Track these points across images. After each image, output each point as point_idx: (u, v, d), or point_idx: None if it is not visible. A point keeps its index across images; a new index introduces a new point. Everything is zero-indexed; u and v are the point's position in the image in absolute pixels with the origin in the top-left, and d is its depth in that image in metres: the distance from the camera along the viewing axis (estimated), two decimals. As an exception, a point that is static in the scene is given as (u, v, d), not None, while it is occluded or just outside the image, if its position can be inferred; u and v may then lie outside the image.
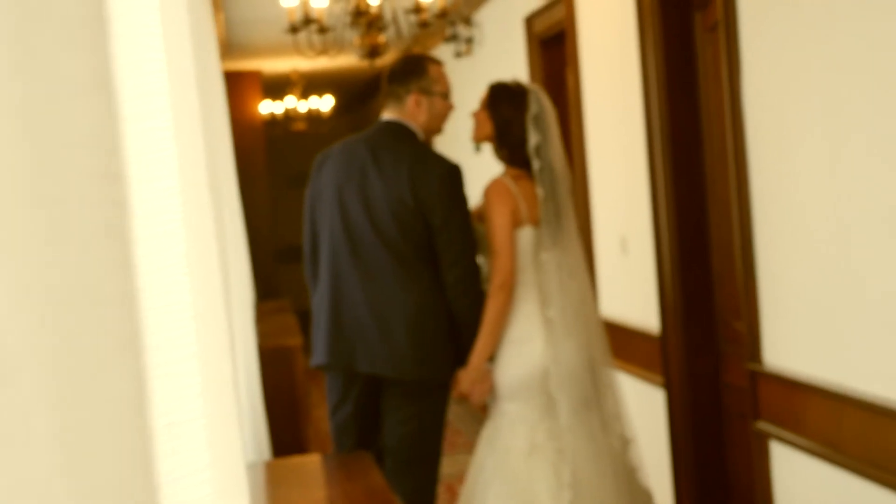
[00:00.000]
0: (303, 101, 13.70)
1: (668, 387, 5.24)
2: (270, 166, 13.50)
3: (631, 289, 5.73)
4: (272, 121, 13.80)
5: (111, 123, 0.88)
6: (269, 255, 12.46)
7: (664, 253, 5.17)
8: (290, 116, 13.74)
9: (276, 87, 13.39)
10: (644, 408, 5.60)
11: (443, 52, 9.99)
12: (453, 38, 8.93)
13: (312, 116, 13.95)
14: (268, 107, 13.42)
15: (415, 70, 4.45)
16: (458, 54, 9.02)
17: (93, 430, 0.83)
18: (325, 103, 13.84)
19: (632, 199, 5.57)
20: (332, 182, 4.41)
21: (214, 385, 1.23)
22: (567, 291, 4.38)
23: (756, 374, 4.25)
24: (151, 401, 1.00)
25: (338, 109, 15.03)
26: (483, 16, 8.61)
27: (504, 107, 4.41)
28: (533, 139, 4.36)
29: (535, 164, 4.37)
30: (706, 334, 5.09)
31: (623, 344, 5.82)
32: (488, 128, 4.43)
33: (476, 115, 4.48)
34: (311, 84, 13.55)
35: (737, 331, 4.77)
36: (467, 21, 8.77)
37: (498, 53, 8.21)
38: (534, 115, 4.38)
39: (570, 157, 6.61)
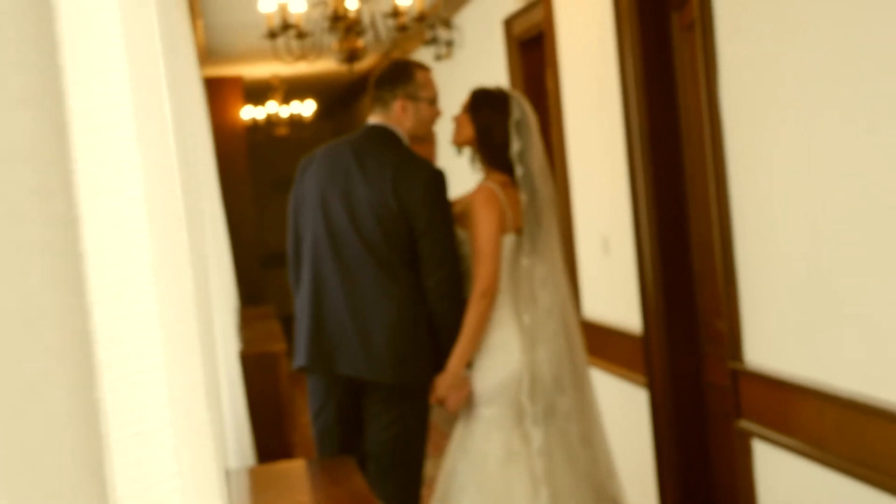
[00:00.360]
0: (284, 105, 13.70)
1: (651, 386, 5.26)
2: (253, 172, 13.51)
3: (613, 289, 5.74)
4: (254, 126, 13.80)
5: (49, 138, 0.88)
6: (254, 260, 12.46)
7: (645, 253, 5.18)
8: (272, 121, 13.73)
9: (257, 92, 13.39)
10: (627, 408, 5.62)
11: (423, 55, 9.99)
12: (433, 41, 8.93)
13: (294, 121, 13.95)
14: (249, 112, 13.41)
15: (402, 76, 4.46)
16: (439, 57, 9.02)
17: (34, 443, 0.83)
18: (306, 108, 13.83)
19: (612, 200, 5.58)
20: (316, 185, 4.42)
21: (184, 394, 1.23)
22: (542, 298, 4.40)
23: (738, 372, 4.27)
24: (108, 411, 1.00)
25: (320, 114, 15.04)
26: (462, 18, 8.62)
27: (486, 111, 4.43)
28: (515, 145, 4.39)
29: (519, 171, 4.39)
30: (688, 334, 5.10)
31: (606, 344, 5.83)
32: (469, 131, 4.45)
33: (457, 119, 4.50)
34: (292, 89, 13.55)
35: (718, 330, 4.79)
36: (447, 24, 8.77)
37: (478, 56, 8.22)
38: (516, 122, 4.40)
39: (551, 158, 6.62)
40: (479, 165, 4.52)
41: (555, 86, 6.34)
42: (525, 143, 4.40)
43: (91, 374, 0.94)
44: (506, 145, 4.40)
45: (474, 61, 8.36)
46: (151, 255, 1.07)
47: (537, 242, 4.43)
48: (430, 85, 4.48)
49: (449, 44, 8.86)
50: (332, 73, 12.39)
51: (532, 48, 6.98)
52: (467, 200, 4.40)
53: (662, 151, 5.09)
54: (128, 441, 1.05)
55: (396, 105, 4.41)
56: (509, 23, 7.21)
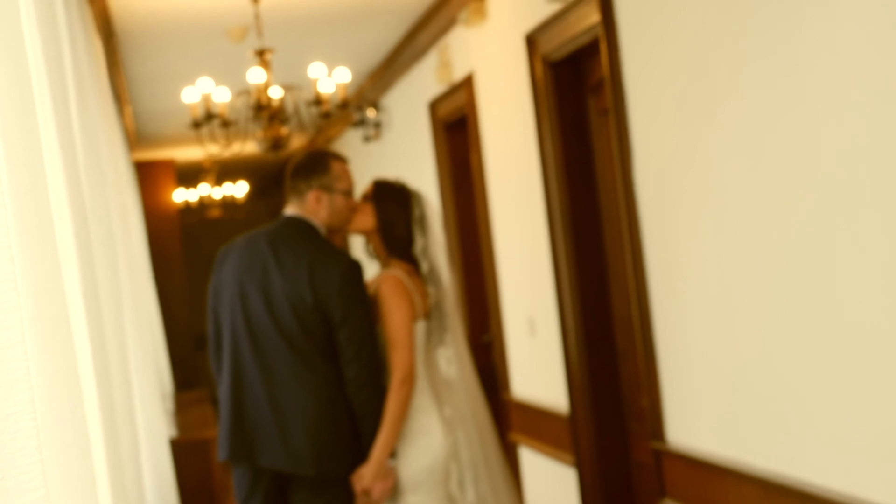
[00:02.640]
0: (217, 187, 13.73)
1: (579, 465, 5.30)
2: (187, 254, 13.49)
3: (540, 369, 5.79)
4: (187, 208, 13.80)
5: None
6: (188, 342, 12.41)
7: (569, 333, 5.24)
8: (205, 203, 13.75)
9: (189, 174, 13.41)
10: (557, 487, 5.65)
11: (351, 136, 10.08)
12: (361, 122, 9.03)
13: (227, 203, 13.98)
14: (182, 195, 13.42)
15: (317, 167, 4.47)
16: (367, 139, 9.11)
17: None
18: (239, 189, 13.88)
19: (537, 280, 5.65)
20: (233, 276, 4.43)
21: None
22: (456, 386, 4.49)
23: (660, 452, 4.32)
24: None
25: (253, 194, 15.08)
26: (389, 100, 8.72)
27: (390, 203, 4.50)
28: (419, 242, 4.47)
29: (424, 266, 4.48)
30: (614, 412, 5.16)
31: (535, 424, 5.88)
32: (371, 221, 4.50)
33: (360, 206, 4.53)
34: (224, 170, 13.59)
35: (643, 408, 4.84)
36: (374, 106, 8.87)
37: (406, 137, 8.31)
38: (418, 218, 4.48)
39: (478, 239, 6.70)
40: (376, 253, 4.59)
41: (479, 167, 6.43)
42: (428, 240, 4.49)
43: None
44: (408, 239, 4.48)
45: (402, 142, 8.45)
46: (30, 392, 1.10)
47: (443, 332, 4.53)
48: (345, 176, 4.50)
49: (377, 125, 8.96)
50: (264, 155, 12.44)
51: (457, 130, 7.08)
52: (373, 288, 4.44)
53: (583, 232, 5.17)
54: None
55: (311, 196, 4.44)
56: (434, 105, 7.31)
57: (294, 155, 5.28)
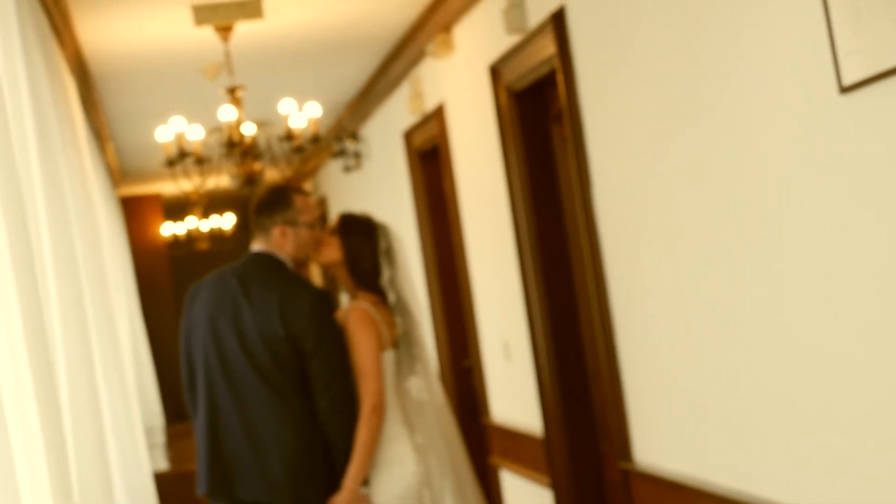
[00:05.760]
0: (205, 220, 13.80)
1: (555, 487, 5.36)
2: (176, 286, 13.56)
3: (515, 393, 5.86)
4: (175, 242, 13.87)
5: None
6: (178, 374, 12.42)
7: (541, 356, 5.31)
8: (192, 236, 13.83)
9: (177, 208, 13.48)
10: (534, 509, 5.72)
11: (332, 167, 10.15)
12: (341, 153, 9.11)
13: (215, 235, 14.05)
14: (170, 228, 13.49)
15: (279, 202, 4.54)
16: (348, 169, 9.19)
17: None
18: (226, 221, 13.95)
19: (509, 304, 5.72)
20: (205, 313, 4.50)
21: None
22: (427, 414, 4.56)
23: (628, 472, 4.39)
24: None
25: (240, 226, 15.16)
26: (368, 131, 8.81)
27: (356, 236, 4.57)
28: (386, 273, 4.54)
29: (391, 297, 4.55)
30: (586, 433, 5.22)
31: (512, 447, 5.95)
32: (337, 254, 4.58)
33: (326, 240, 4.61)
34: (211, 203, 13.65)
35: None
36: (354, 136, 8.95)
37: (385, 166, 8.39)
38: (385, 250, 4.55)
39: (454, 265, 6.77)
40: (344, 286, 4.68)
41: (452, 195, 6.52)
42: (394, 271, 4.56)
43: None
44: (374, 271, 4.55)
45: (382, 172, 8.53)
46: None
47: (414, 358, 4.60)
48: (308, 209, 4.57)
49: (357, 155, 9.04)
50: (241, 190, 12.52)
51: (431, 158, 7.15)
52: (341, 319, 4.52)
53: (550, 256, 5.24)
54: None
55: (276, 231, 4.50)
56: (408, 135, 7.39)
57: (257, 191, 5.34)
